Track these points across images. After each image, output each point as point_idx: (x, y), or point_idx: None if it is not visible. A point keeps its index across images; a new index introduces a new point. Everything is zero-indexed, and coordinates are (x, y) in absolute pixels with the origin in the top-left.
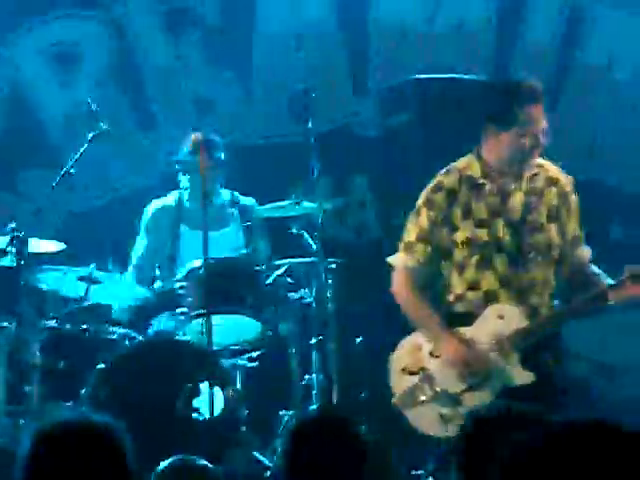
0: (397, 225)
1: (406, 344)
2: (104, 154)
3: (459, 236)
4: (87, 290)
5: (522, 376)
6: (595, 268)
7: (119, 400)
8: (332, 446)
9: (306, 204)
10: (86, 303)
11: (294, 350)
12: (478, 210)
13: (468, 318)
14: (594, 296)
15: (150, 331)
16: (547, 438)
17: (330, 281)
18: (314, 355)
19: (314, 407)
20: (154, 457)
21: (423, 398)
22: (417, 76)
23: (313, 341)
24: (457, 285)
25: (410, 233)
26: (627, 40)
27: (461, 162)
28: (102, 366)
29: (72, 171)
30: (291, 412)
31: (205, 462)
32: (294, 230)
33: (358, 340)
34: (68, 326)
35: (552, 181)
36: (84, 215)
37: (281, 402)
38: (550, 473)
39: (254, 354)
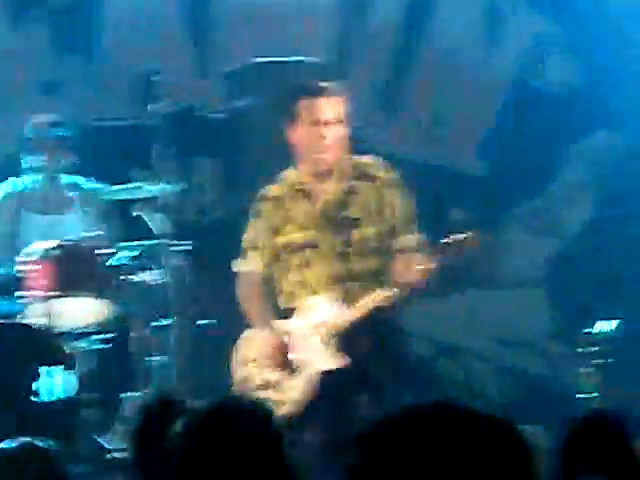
0: (239, 208)
1: (244, 338)
2: None
3: (280, 240)
4: None
5: (336, 360)
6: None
7: None
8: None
9: (149, 187)
10: None
11: (137, 332)
12: (297, 214)
13: (297, 314)
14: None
15: None
16: (388, 422)
17: (174, 263)
18: (157, 337)
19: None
20: None
21: (253, 386)
22: (257, 60)
23: (156, 323)
24: (286, 285)
25: (245, 241)
26: (469, 18)
27: (287, 171)
28: None
29: None
30: (133, 394)
31: (47, 443)
32: (135, 213)
33: (202, 322)
34: None
35: (369, 177)
36: None
37: (124, 384)
38: (392, 457)
39: (97, 337)
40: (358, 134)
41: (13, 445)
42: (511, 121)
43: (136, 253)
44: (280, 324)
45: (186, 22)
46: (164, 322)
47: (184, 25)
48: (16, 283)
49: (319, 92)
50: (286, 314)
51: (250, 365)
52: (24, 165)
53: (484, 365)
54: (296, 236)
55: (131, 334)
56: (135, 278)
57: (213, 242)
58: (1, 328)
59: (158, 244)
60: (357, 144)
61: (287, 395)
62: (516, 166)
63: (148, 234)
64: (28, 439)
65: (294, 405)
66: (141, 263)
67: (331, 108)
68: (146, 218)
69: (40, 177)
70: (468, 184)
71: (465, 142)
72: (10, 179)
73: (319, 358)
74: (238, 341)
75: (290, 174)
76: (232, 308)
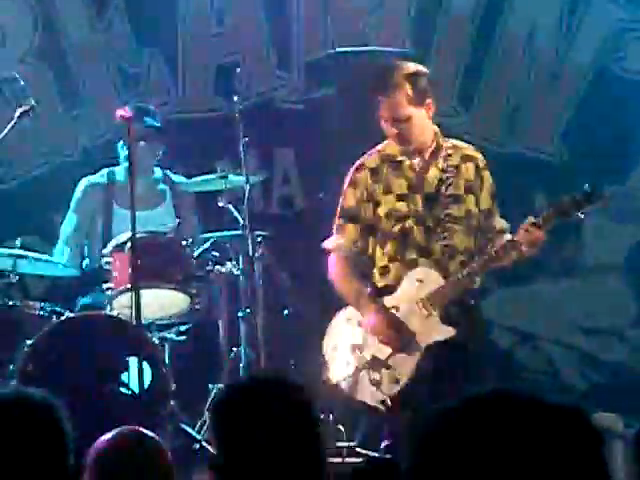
0: (320, 198)
1: (336, 321)
2: (27, 131)
3: (381, 210)
4: (14, 265)
5: (443, 331)
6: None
7: (47, 376)
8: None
9: (232, 177)
10: (13, 279)
11: (221, 323)
12: (398, 185)
13: (393, 288)
14: (500, 248)
15: (78, 307)
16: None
17: (257, 254)
18: (242, 328)
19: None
20: (84, 432)
21: (354, 368)
22: (337, 49)
23: (240, 314)
24: (380, 258)
25: (339, 215)
26: (547, 8)
27: (381, 145)
28: (30, 342)
29: None
30: (219, 385)
31: (149, 433)
32: (220, 204)
33: (286, 312)
34: None
35: (467, 158)
36: (6, 192)
37: (209, 375)
38: (462, 443)
39: (182, 328)
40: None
41: (117, 435)
42: (591, 107)
43: (220, 244)
44: (385, 300)
45: (266, 14)
46: (248, 312)
47: (264, 17)
48: (103, 274)
49: (392, 89)
50: (385, 288)
51: (349, 348)
52: (121, 155)
53: (565, 353)
54: (399, 205)
55: (216, 324)
56: (220, 269)
57: (296, 231)
58: (89, 319)
59: (242, 234)
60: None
61: (399, 371)
62: (597, 152)
63: (231, 225)
64: (133, 428)
65: (408, 380)
66: (225, 254)
67: (404, 104)
68: (230, 209)
69: (128, 171)
70: (548, 171)
71: (545, 129)
72: (102, 170)
73: (429, 330)
74: (332, 323)
75: (386, 147)
76: (316, 297)
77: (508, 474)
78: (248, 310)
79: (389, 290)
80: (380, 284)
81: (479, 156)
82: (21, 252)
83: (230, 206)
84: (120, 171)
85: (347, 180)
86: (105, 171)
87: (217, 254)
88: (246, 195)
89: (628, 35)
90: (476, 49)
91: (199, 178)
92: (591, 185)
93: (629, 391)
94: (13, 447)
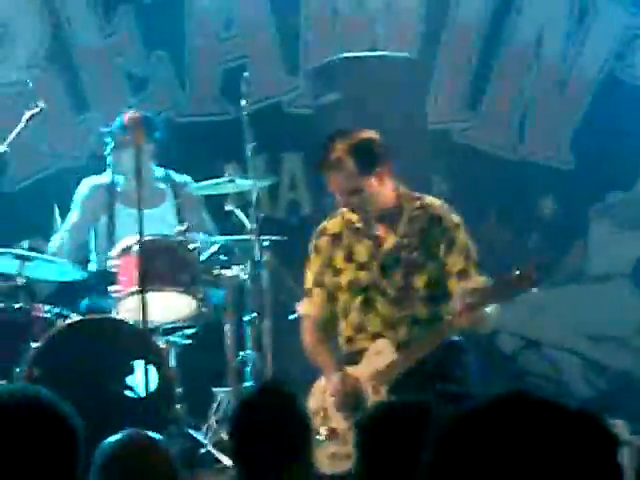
0: (328, 203)
1: (315, 387)
2: (34, 134)
3: (343, 279)
4: (20, 268)
5: None
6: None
7: (53, 379)
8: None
9: (240, 182)
10: (20, 282)
11: (228, 327)
12: (358, 253)
13: (359, 358)
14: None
15: (84, 310)
16: (471, 411)
17: (264, 258)
18: (248, 332)
19: (249, 384)
20: (90, 435)
21: (321, 437)
22: (345, 55)
23: (247, 318)
24: (345, 328)
25: (307, 279)
26: (555, 15)
27: (342, 209)
28: (36, 345)
29: (3, 151)
30: (226, 389)
31: (154, 436)
32: (227, 208)
33: (292, 317)
34: (1, 305)
35: (434, 219)
36: (12, 195)
37: (216, 379)
38: (476, 445)
39: (189, 331)
40: (448, 128)
41: (126, 437)
42: (599, 115)
43: (227, 248)
44: (349, 370)
45: (274, 18)
46: (255, 316)
47: (272, 21)
48: (110, 277)
49: (334, 166)
50: (348, 358)
51: (318, 416)
52: (114, 158)
53: (571, 360)
54: (360, 274)
55: (223, 328)
56: (226, 273)
57: (303, 236)
58: (95, 322)
59: (249, 239)
60: (448, 138)
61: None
62: (604, 159)
63: (239, 229)
64: (140, 431)
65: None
66: (232, 258)
67: (351, 177)
68: (237, 213)
69: (132, 170)
70: (556, 178)
71: (553, 136)
72: (105, 172)
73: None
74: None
75: (347, 212)
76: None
77: (522, 476)
78: (255, 314)
79: (355, 360)
80: (346, 353)
81: (451, 216)
82: (28, 253)
83: (237, 210)
84: (118, 173)
85: (311, 244)
86: (109, 172)
87: (224, 258)
88: (253, 200)
89: (636, 42)
90: (483, 56)
91: (206, 182)
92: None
93: (634, 398)
94: (22, 447)
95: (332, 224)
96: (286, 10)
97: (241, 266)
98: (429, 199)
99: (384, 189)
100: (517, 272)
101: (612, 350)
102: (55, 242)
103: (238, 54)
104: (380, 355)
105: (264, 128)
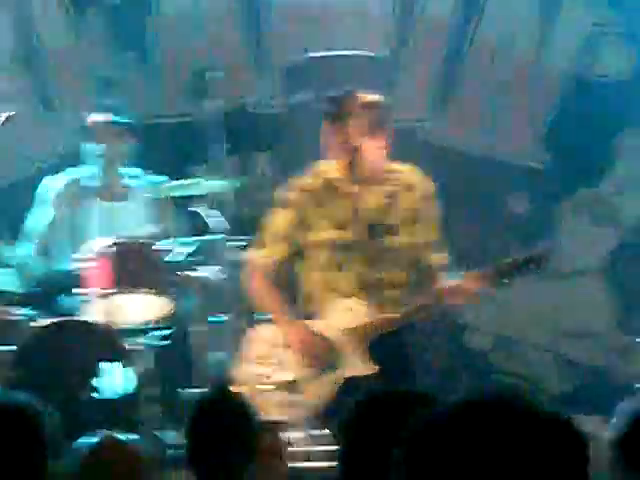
0: None
1: (259, 333)
2: (8, 136)
3: (313, 236)
4: None
5: (365, 367)
6: (445, 274)
7: (29, 381)
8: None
9: (208, 182)
10: None
11: (196, 328)
12: (336, 213)
13: (316, 316)
14: (444, 291)
15: (55, 312)
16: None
17: (230, 259)
18: (216, 332)
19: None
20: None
21: (271, 386)
22: (312, 54)
23: (214, 319)
24: (306, 284)
25: (269, 229)
26: (523, 13)
27: (322, 165)
28: (8, 348)
29: None
30: (192, 390)
31: (124, 438)
32: (192, 208)
33: (259, 317)
34: None
35: (409, 186)
36: None
37: (183, 380)
38: (451, 446)
39: (157, 333)
40: (415, 127)
41: (96, 439)
42: (569, 111)
43: (193, 249)
44: (307, 324)
45: (240, 18)
46: (222, 317)
47: (239, 21)
48: (79, 278)
49: (347, 118)
50: (306, 314)
51: (264, 362)
52: (83, 154)
53: (544, 356)
54: (332, 233)
55: (189, 330)
56: (192, 274)
57: None
58: (61, 325)
59: (215, 240)
60: (414, 137)
61: (305, 397)
62: (575, 155)
63: (205, 230)
64: (110, 432)
65: (310, 408)
66: (198, 259)
67: (358, 134)
68: (203, 214)
69: (99, 166)
70: (527, 174)
71: (524, 133)
72: (69, 169)
73: (348, 363)
74: (247, 335)
75: (325, 168)
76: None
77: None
78: (223, 314)
79: (310, 317)
80: (303, 310)
81: (425, 184)
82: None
83: (204, 211)
84: (84, 168)
85: (280, 197)
86: (76, 170)
87: (195, 259)
88: (218, 200)
89: (603, 39)
90: (451, 55)
91: (175, 183)
92: (533, 251)
93: (608, 394)
94: None
95: (307, 181)
96: (254, 10)
97: (212, 267)
98: (408, 167)
99: (380, 154)
100: (526, 255)
101: (585, 346)
102: (34, 245)
103: (207, 55)
104: (351, 313)
105: (234, 128)
